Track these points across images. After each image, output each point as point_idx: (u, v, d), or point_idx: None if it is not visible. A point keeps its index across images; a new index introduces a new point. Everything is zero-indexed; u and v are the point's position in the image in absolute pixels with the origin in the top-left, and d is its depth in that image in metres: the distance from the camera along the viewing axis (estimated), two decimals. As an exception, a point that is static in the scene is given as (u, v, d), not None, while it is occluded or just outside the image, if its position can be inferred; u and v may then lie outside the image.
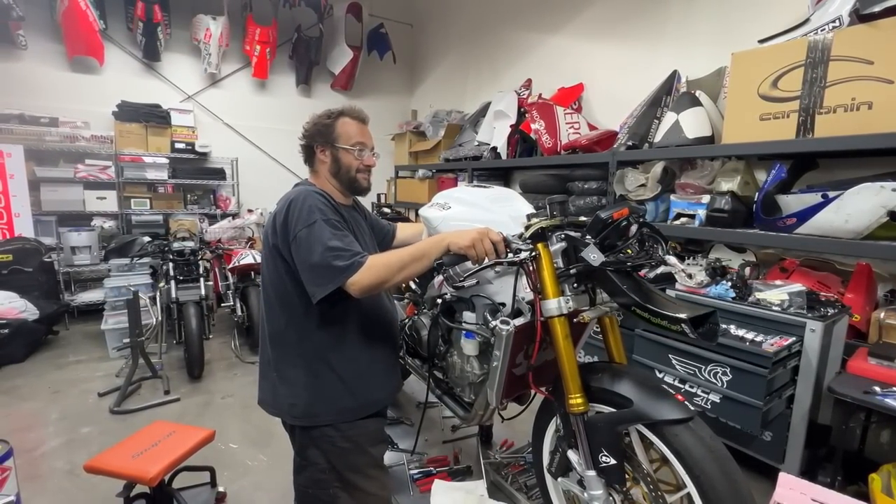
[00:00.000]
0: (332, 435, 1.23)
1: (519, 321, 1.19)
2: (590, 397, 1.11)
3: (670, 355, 2.19)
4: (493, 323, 1.19)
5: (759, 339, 2.03)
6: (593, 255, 1.01)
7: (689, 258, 2.61)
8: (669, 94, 3.15)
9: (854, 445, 2.08)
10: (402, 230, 1.70)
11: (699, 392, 2.10)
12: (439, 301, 1.49)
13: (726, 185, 2.63)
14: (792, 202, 2.34)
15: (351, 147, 1.28)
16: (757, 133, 2.41)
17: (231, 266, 3.94)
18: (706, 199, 2.68)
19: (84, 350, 3.82)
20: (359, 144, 1.29)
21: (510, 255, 1.13)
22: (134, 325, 3.03)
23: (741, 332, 2.11)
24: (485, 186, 1.51)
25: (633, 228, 1.06)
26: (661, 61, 3.26)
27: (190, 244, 3.75)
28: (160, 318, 3.47)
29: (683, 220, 2.80)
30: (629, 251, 1.07)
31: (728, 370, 1.98)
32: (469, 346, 1.35)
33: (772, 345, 1.96)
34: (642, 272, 1.10)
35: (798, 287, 2.17)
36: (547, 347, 1.28)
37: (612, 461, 1.02)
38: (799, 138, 2.26)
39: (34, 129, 4.20)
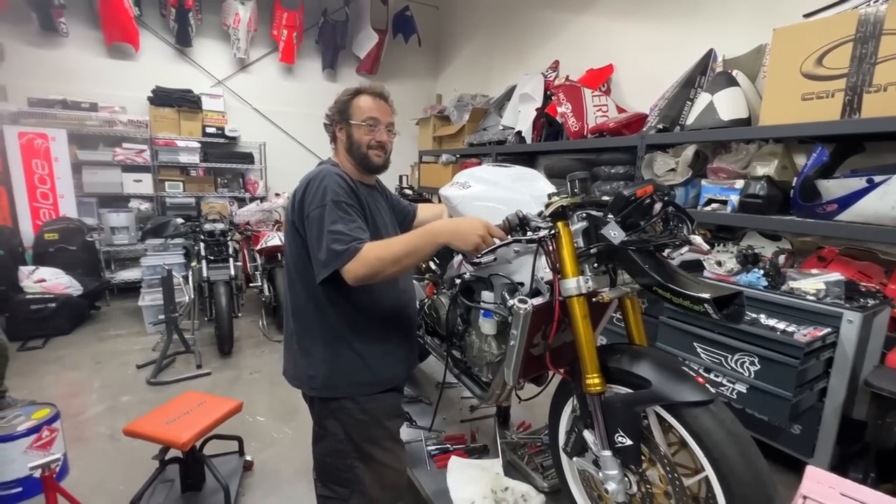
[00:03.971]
0: (350, 407, 1.26)
1: (537, 301, 1.19)
2: (608, 378, 1.09)
3: (695, 343, 2.13)
4: (511, 302, 1.18)
5: (791, 329, 1.95)
6: (614, 233, 0.99)
7: (719, 245, 2.52)
8: (704, 75, 3.02)
9: (890, 443, 1.99)
10: (423, 211, 1.70)
11: (725, 381, 2.04)
12: (458, 281, 1.50)
13: (762, 169, 2.51)
14: (833, 187, 2.22)
15: (362, 122, 1.28)
16: (798, 114, 2.29)
17: (258, 248, 4.06)
18: (740, 184, 2.57)
19: (123, 325, 4.03)
20: (370, 119, 1.28)
21: (529, 233, 1.12)
22: (168, 302, 3.17)
23: (772, 322, 2.03)
24: (506, 165, 1.49)
25: (657, 207, 1.02)
26: (697, 40, 3.12)
27: (220, 226, 3.87)
28: (192, 297, 3.62)
29: (715, 205, 2.70)
30: (652, 230, 1.04)
31: (756, 360, 1.92)
32: (487, 326, 1.35)
33: (805, 335, 1.89)
34: (667, 253, 1.07)
35: (836, 276, 2.07)
36: (566, 328, 1.27)
37: (629, 442, 1.01)
38: (844, 119, 2.13)
39: (76, 113, 4.39)
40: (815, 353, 1.87)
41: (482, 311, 1.36)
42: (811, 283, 2.08)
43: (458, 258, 1.54)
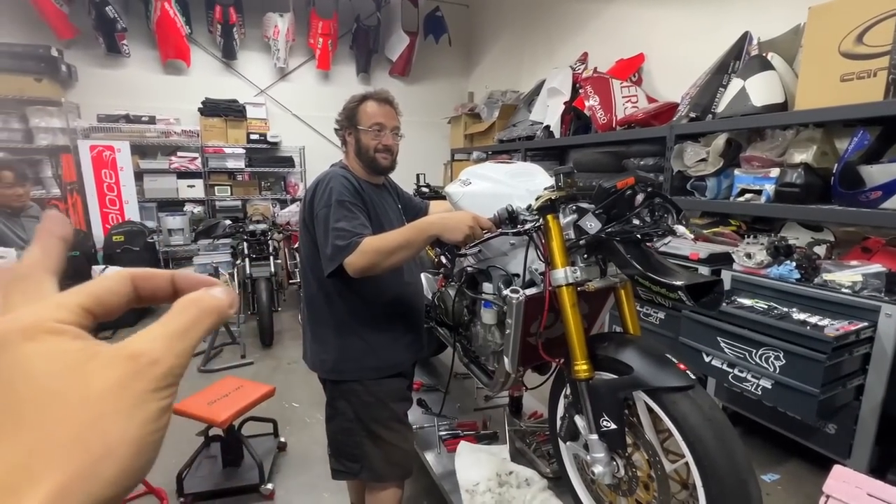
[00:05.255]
0: (358, 390, 1.37)
1: (531, 291, 1.23)
2: (596, 365, 1.13)
3: (718, 338, 2.08)
4: (505, 292, 1.24)
5: (823, 323, 1.86)
6: (590, 224, 1.02)
7: (749, 236, 2.42)
8: (739, 59, 2.89)
9: (940, 446, 1.85)
10: (434, 207, 1.78)
11: (749, 377, 1.98)
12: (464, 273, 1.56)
13: (799, 156, 2.39)
14: (877, 173, 2.08)
15: (369, 128, 1.37)
16: (837, 96, 2.16)
17: (297, 246, 4.30)
18: (775, 172, 2.45)
19: (179, 318, 4.41)
20: (377, 125, 1.37)
21: (518, 226, 1.17)
22: (215, 296, 3.45)
23: (803, 316, 1.94)
24: (509, 162, 1.54)
25: (640, 198, 1.04)
26: (733, 22, 2.99)
27: (262, 226, 4.15)
28: (238, 292, 3.90)
29: (748, 196, 2.59)
30: (639, 221, 1.06)
31: (781, 354, 1.85)
32: (487, 316, 1.41)
33: (837, 329, 1.79)
34: (653, 243, 1.09)
35: (876, 268, 1.95)
36: (563, 318, 1.30)
37: (613, 426, 1.04)
38: (888, 100, 1.99)
39: (137, 126, 4.84)
40: (846, 349, 1.77)
41: (483, 302, 1.42)
42: (847, 276, 1.96)
43: (473, 249, 1.60)
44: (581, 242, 1.13)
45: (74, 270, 4.07)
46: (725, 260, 2.42)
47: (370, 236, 1.21)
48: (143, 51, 4.96)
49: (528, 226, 1.14)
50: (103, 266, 4.30)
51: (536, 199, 1.17)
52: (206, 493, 2.01)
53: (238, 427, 2.18)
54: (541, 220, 1.14)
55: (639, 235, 1.04)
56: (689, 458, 0.94)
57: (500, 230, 1.18)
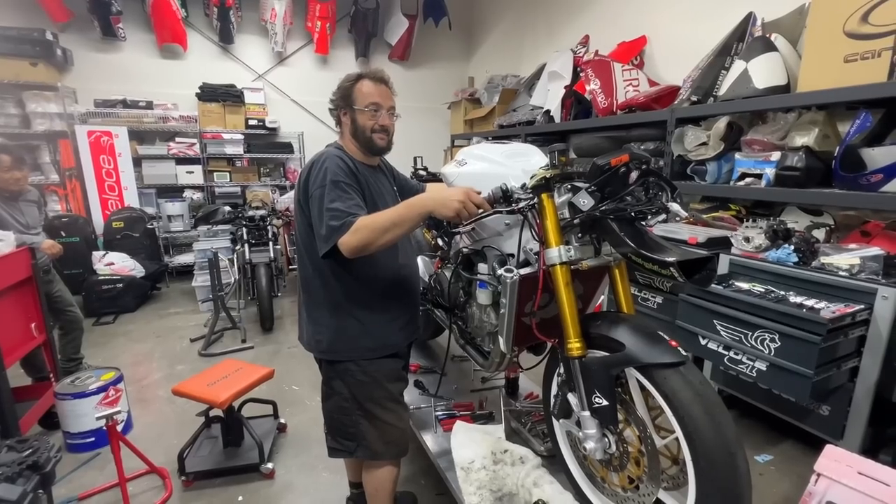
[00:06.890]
0: (353, 369, 1.38)
1: (525, 270, 1.23)
2: (589, 343, 1.13)
3: (715, 321, 2.08)
4: (500, 272, 1.24)
5: (819, 305, 1.86)
6: (583, 201, 1.01)
7: (748, 220, 2.41)
8: (742, 41, 2.85)
9: (930, 427, 1.87)
10: (432, 189, 1.78)
11: (744, 359, 1.99)
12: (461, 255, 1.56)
13: (801, 139, 2.37)
14: (878, 156, 2.07)
15: (366, 108, 1.35)
16: (840, 78, 2.13)
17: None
18: (776, 156, 2.43)
19: (180, 304, 4.44)
20: (373, 105, 1.35)
21: (512, 204, 1.16)
22: (214, 281, 3.47)
23: (800, 299, 1.94)
24: (504, 142, 1.53)
25: (634, 175, 1.04)
26: (736, 4, 2.93)
27: (261, 212, 4.14)
28: (237, 277, 3.92)
29: (749, 180, 2.57)
30: (633, 199, 1.05)
31: (777, 337, 1.85)
32: (483, 296, 1.41)
33: (833, 312, 1.79)
34: (648, 221, 1.08)
35: (874, 251, 1.94)
36: (558, 298, 1.30)
37: (605, 402, 1.05)
38: (892, 80, 1.97)
39: (135, 112, 4.81)
40: (842, 331, 1.78)
41: (478, 283, 1.42)
42: (845, 259, 1.96)
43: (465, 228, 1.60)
44: (575, 221, 1.13)
45: (75, 256, 4.09)
46: (724, 244, 2.41)
47: (363, 216, 1.20)
48: (139, 34, 4.91)
49: (521, 204, 1.14)
50: (103, 252, 4.32)
51: (531, 177, 1.17)
52: (207, 471, 2.05)
53: (238, 408, 2.21)
54: (535, 198, 1.14)
55: (633, 213, 1.04)
56: (679, 433, 0.95)
57: (494, 209, 1.17)
